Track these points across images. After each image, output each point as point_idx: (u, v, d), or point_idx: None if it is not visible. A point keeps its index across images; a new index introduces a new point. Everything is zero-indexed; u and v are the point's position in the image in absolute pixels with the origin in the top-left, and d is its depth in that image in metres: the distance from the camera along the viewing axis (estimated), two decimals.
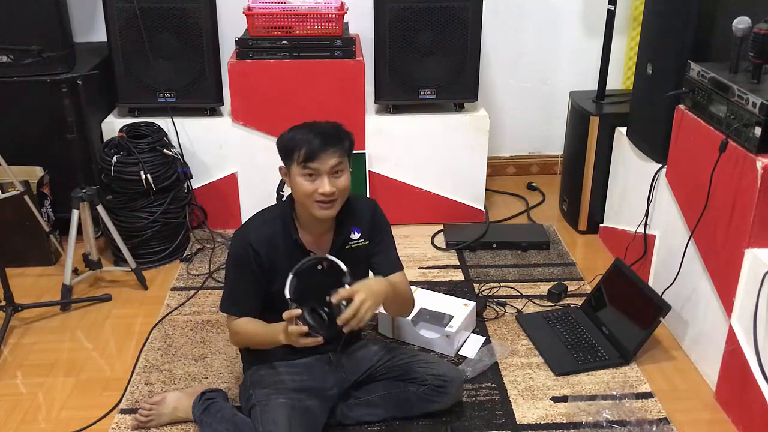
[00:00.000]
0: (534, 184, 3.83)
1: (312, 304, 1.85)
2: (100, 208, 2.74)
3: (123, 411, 2.22)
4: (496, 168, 3.91)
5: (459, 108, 3.27)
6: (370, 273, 2.14)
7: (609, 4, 3.18)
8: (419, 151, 3.26)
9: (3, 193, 2.84)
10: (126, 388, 2.32)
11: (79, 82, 2.70)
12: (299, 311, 1.82)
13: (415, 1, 3.00)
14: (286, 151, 1.93)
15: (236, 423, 2.04)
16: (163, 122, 3.09)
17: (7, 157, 2.71)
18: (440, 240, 3.26)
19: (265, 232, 1.99)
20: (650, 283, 2.68)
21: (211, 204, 3.29)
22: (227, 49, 3.25)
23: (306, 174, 1.90)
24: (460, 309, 2.55)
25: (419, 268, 3.02)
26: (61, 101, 2.56)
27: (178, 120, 3.12)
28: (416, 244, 3.22)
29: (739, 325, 2.14)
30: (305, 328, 1.81)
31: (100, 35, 3.23)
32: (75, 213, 2.70)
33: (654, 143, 2.70)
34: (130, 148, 2.90)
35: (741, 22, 2.18)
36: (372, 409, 2.14)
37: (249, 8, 3.02)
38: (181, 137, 3.14)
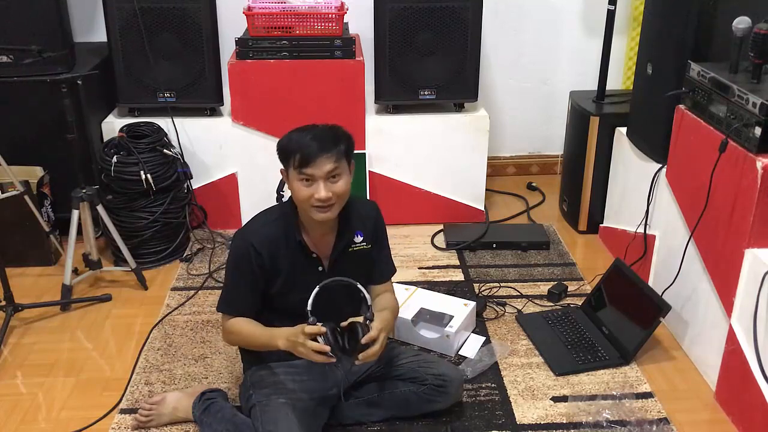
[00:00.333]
0: (534, 184, 3.83)
1: (331, 324, 1.85)
2: (100, 208, 2.74)
3: (123, 411, 2.22)
4: (496, 168, 3.91)
5: (459, 108, 3.27)
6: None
7: (609, 4, 3.18)
8: (419, 151, 3.26)
9: (3, 193, 2.84)
10: (126, 388, 2.32)
11: (79, 82, 2.70)
12: (324, 330, 1.82)
13: (415, 1, 3.00)
14: (283, 155, 1.93)
15: (236, 423, 2.04)
16: (163, 122, 3.09)
17: (7, 157, 2.71)
18: (440, 240, 3.26)
19: (267, 233, 1.99)
20: (650, 283, 2.68)
21: (211, 204, 3.29)
22: (227, 49, 3.25)
23: (302, 179, 1.89)
24: (460, 309, 2.55)
25: (419, 268, 3.02)
26: (61, 101, 2.56)
27: (178, 120, 3.12)
28: (416, 244, 3.22)
29: (739, 325, 2.14)
30: (326, 347, 1.81)
31: (100, 35, 3.23)
32: (75, 213, 2.70)
33: (654, 143, 2.70)
34: (130, 148, 2.90)
35: (741, 22, 2.18)
36: (372, 409, 2.14)
37: (249, 8, 3.02)
38: (181, 137, 3.14)
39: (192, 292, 2.85)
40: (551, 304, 2.78)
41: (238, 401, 2.18)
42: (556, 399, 2.27)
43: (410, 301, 2.62)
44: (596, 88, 3.29)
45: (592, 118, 3.12)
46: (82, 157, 2.73)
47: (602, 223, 3.26)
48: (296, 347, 1.86)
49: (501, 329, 2.63)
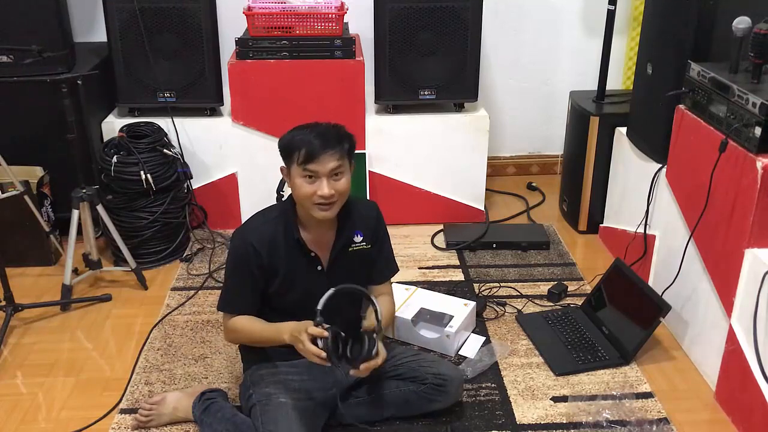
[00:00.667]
0: (534, 184, 3.83)
1: (335, 329, 1.84)
2: (100, 208, 2.74)
3: (123, 411, 2.22)
4: (496, 168, 3.91)
5: (459, 108, 3.27)
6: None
7: (609, 4, 3.18)
8: (419, 151, 3.26)
9: (3, 193, 2.84)
10: (126, 388, 2.32)
11: (79, 82, 2.70)
12: (326, 334, 1.82)
13: (415, 1, 3.00)
14: (286, 151, 1.93)
15: (236, 423, 2.04)
16: (163, 122, 3.09)
17: (7, 157, 2.71)
18: (440, 240, 3.26)
19: (266, 231, 1.99)
20: (650, 283, 2.68)
21: (211, 204, 3.29)
22: (227, 49, 3.25)
23: (305, 176, 1.89)
24: (460, 309, 2.55)
25: (419, 268, 3.02)
26: (61, 101, 2.56)
27: (178, 120, 3.12)
28: (416, 244, 3.22)
29: (739, 325, 2.14)
30: (323, 353, 1.81)
31: (100, 35, 3.23)
32: (75, 213, 2.70)
33: (654, 143, 2.70)
34: (130, 148, 2.90)
35: (741, 22, 2.18)
36: (372, 408, 2.14)
37: (249, 8, 3.02)
38: (181, 137, 3.14)
39: (192, 292, 2.85)
40: (551, 304, 2.78)
41: (238, 401, 2.18)
42: (556, 399, 2.27)
43: (410, 301, 2.62)
44: (596, 88, 3.29)
45: (592, 118, 3.12)
46: (82, 157, 2.73)
47: (602, 223, 3.26)
48: (297, 344, 1.87)
49: (501, 329, 2.63)
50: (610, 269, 2.68)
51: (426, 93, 3.17)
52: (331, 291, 1.83)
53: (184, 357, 2.47)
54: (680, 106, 2.48)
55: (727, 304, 2.19)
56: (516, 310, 2.73)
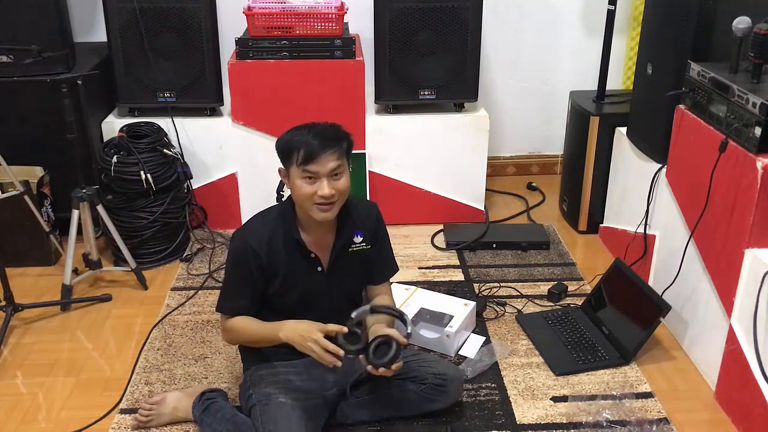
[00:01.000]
0: (534, 184, 3.83)
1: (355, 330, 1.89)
2: (100, 208, 2.74)
3: (123, 411, 2.22)
4: (496, 168, 3.91)
5: (459, 108, 3.27)
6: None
7: (609, 4, 3.18)
8: (419, 151, 3.26)
9: (3, 193, 2.84)
10: (126, 388, 2.32)
11: (79, 82, 2.70)
12: (345, 330, 1.86)
13: (415, 1, 3.00)
14: (284, 152, 1.92)
15: (236, 423, 2.04)
16: (163, 122, 3.09)
17: (7, 157, 2.71)
18: (440, 240, 3.26)
19: (265, 232, 1.99)
20: (650, 283, 2.68)
21: (211, 204, 3.29)
22: (227, 49, 3.25)
23: (305, 176, 1.89)
24: (460, 309, 2.55)
25: (419, 268, 3.02)
26: (61, 101, 2.56)
27: (178, 120, 3.12)
28: (416, 244, 3.22)
29: (739, 325, 2.14)
30: (341, 351, 1.84)
31: (100, 35, 3.23)
32: (75, 213, 2.70)
33: (654, 143, 2.70)
34: (130, 148, 2.90)
35: (741, 22, 2.18)
36: (372, 408, 2.14)
37: (249, 8, 3.02)
38: (181, 137, 3.14)
39: (192, 292, 2.85)
40: (551, 304, 2.78)
41: (238, 401, 2.18)
42: (556, 399, 2.27)
43: (410, 301, 2.62)
44: (596, 88, 3.29)
45: (592, 118, 3.12)
46: (82, 157, 2.73)
47: (602, 223, 3.26)
48: (305, 342, 1.86)
49: (501, 329, 2.63)
50: (610, 269, 2.68)
51: (426, 93, 3.17)
52: (367, 306, 1.93)
53: (184, 357, 2.47)
54: (680, 106, 2.48)
55: (727, 304, 2.19)
56: (516, 310, 2.73)
